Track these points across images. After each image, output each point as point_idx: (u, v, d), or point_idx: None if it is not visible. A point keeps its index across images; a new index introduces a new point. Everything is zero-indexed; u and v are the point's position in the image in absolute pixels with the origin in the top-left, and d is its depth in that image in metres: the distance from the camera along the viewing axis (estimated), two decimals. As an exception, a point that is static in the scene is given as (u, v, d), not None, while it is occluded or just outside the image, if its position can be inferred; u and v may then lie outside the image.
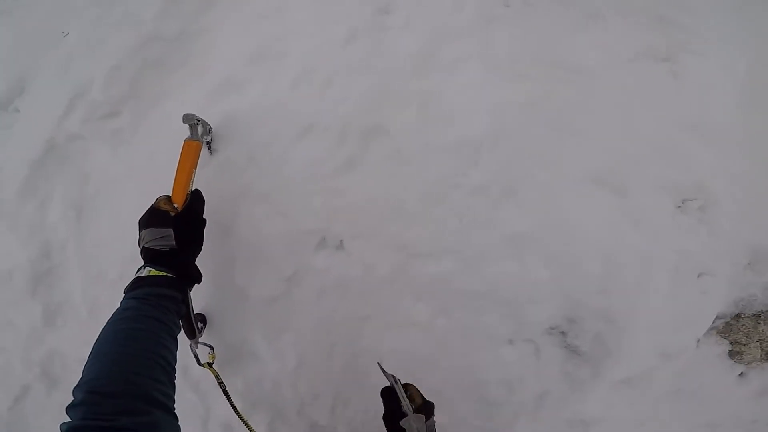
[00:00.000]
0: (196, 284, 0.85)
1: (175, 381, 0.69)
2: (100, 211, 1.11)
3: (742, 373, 1.14)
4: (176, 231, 0.79)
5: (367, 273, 1.04)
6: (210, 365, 0.91)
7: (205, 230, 0.89)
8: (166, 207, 0.82)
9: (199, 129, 0.94)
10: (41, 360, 1.15)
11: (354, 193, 1.01)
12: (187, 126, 0.92)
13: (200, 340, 0.94)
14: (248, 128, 1.04)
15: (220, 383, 0.89)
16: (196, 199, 0.87)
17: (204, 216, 0.88)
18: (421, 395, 0.79)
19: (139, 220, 0.82)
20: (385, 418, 0.78)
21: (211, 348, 0.95)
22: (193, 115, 0.93)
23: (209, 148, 1.03)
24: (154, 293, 0.74)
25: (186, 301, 0.82)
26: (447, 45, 1.03)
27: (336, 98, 1.01)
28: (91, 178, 1.12)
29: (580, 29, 1.16)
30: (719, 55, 1.14)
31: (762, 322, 1.08)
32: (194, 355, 0.91)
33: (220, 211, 1.01)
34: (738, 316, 1.08)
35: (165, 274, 0.77)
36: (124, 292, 0.76)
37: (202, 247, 0.87)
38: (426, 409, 0.76)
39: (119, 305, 0.74)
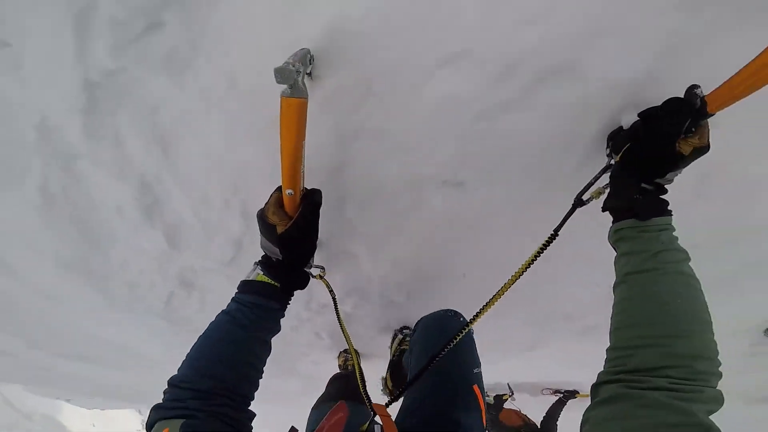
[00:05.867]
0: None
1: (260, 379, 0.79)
2: (185, 143, 1.02)
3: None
4: (282, 250, 0.77)
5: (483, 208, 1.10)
6: (321, 277, 0.99)
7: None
8: (273, 219, 0.76)
9: (299, 74, 0.64)
10: (177, 274, 1.38)
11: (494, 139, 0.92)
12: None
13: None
14: (363, 48, 0.79)
15: (331, 291, 0.99)
16: (309, 208, 0.77)
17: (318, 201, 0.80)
18: None
19: (257, 215, 0.79)
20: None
21: (322, 268, 1.00)
22: (288, 65, 0.62)
23: (310, 75, 0.82)
24: (257, 303, 0.77)
25: (285, 306, 0.85)
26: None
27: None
28: (161, 111, 0.96)
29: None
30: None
31: None
32: (309, 274, 0.97)
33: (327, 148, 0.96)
34: None
35: (270, 282, 0.79)
36: (237, 289, 0.81)
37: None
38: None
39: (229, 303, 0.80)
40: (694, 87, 0.67)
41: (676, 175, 0.73)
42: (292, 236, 0.76)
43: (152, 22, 0.82)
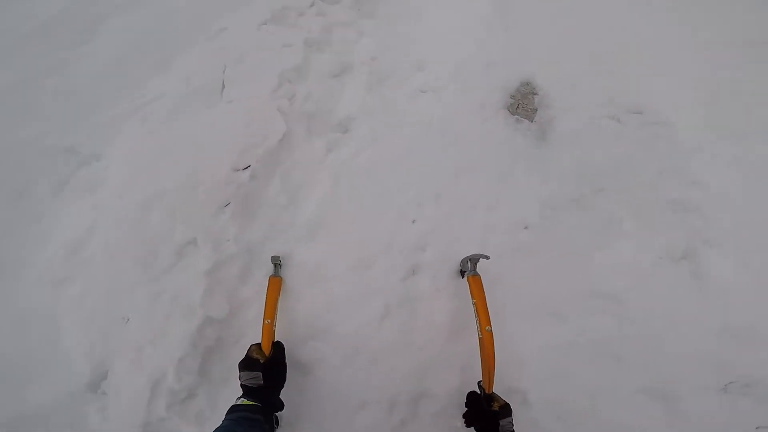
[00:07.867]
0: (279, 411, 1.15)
1: None
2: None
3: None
4: (264, 374, 1.09)
5: None
6: None
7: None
8: (257, 356, 1.13)
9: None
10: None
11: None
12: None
13: None
14: (316, 404, 1.32)
15: None
16: (278, 350, 1.21)
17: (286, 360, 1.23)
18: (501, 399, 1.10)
19: (239, 363, 1.13)
20: (467, 416, 1.13)
21: None
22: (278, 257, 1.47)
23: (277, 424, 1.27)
24: (244, 416, 0.99)
25: (270, 423, 1.10)
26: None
27: (382, 374, 1.12)
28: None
29: (601, 245, 1.27)
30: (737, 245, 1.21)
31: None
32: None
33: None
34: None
35: (254, 403, 1.03)
36: (226, 413, 1.02)
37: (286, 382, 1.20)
38: (505, 410, 1.04)
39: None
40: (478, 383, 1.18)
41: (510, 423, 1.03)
42: (271, 363, 1.14)
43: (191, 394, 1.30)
